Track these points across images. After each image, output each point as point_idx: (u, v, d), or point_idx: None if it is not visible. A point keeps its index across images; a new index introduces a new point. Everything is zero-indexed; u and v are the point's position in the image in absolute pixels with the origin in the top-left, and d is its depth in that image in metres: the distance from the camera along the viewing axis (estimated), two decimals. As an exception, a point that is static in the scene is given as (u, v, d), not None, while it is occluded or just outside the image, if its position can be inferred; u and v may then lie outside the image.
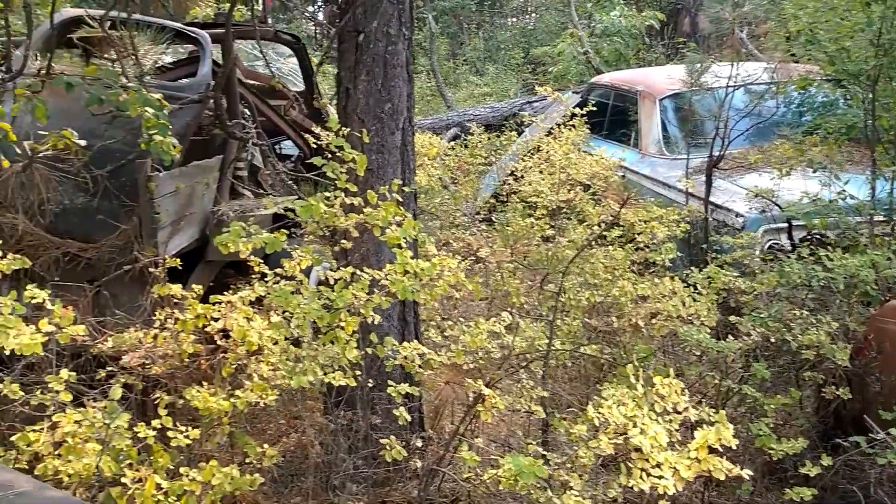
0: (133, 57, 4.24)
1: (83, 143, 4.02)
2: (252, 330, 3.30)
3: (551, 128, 7.98)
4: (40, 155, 3.98)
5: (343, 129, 3.82)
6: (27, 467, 2.71)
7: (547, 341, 4.14)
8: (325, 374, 3.40)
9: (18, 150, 4.00)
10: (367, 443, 3.98)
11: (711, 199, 6.28)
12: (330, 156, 3.76)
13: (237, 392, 3.25)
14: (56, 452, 2.74)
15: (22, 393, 2.84)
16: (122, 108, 3.55)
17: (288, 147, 7.25)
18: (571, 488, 3.00)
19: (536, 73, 16.68)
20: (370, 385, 3.87)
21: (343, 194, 3.67)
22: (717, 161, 6.31)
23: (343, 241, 3.78)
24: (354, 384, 3.50)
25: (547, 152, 7.27)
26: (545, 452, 3.36)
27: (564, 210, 6.82)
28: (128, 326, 3.64)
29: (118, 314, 3.99)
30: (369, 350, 3.64)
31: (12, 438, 2.78)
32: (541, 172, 7.21)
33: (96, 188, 4.45)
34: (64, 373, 2.89)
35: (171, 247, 4.48)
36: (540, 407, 3.78)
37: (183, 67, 5.93)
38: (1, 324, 2.59)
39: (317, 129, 4.02)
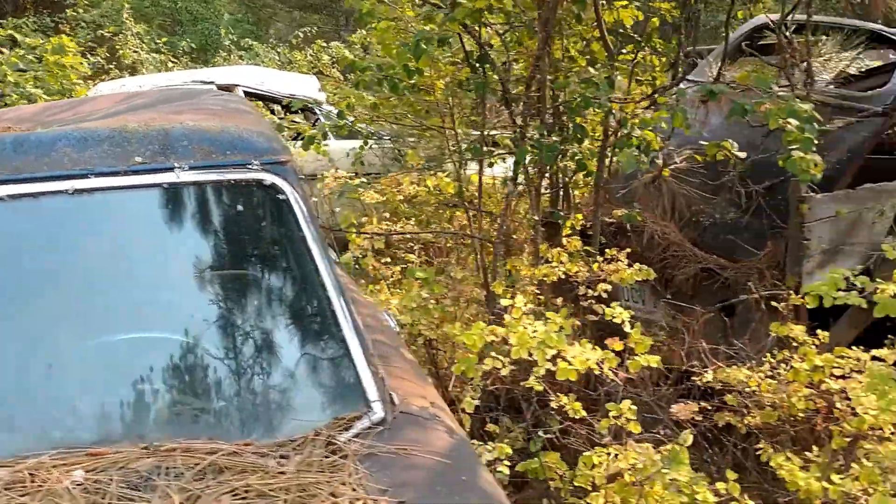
0: (804, 63, 3.87)
1: (743, 154, 3.81)
2: (871, 401, 2.50)
3: None
4: (674, 166, 3.92)
5: None
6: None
7: None
8: None
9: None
10: None
11: None
12: None
13: (835, 476, 2.58)
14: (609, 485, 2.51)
15: (584, 413, 2.66)
16: (765, 118, 3.20)
17: None
18: None
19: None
20: None
21: None
22: None
23: None
24: None
25: None
26: None
27: None
28: (746, 360, 3.30)
29: (736, 344, 3.59)
30: None
31: (581, 460, 2.61)
32: None
33: (749, 204, 4.16)
34: (626, 404, 2.61)
35: (820, 280, 3.65)
36: None
37: (882, 75, 4.93)
38: (541, 340, 2.35)
39: None
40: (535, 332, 2.24)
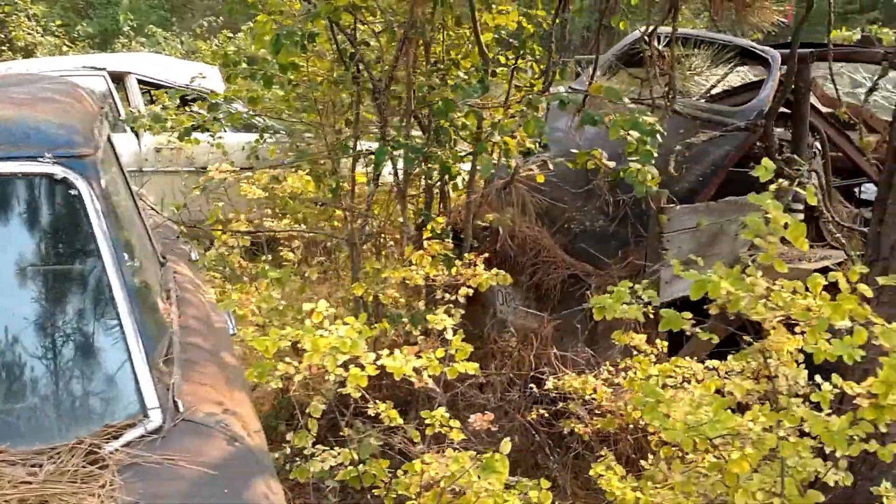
0: (668, 76, 3.98)
1: (612, 163, 3.75)
2: (687, 412, 2.35)
3: None
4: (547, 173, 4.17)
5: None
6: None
7: None
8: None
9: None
10: None
11: None
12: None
13: (647, 486, 2.59)
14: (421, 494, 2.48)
15: (401, 420, 2.66)
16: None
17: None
18: None
19: None
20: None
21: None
22: None
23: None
24: None
25: None
26: None
27: None
28: (594, 367, 3.44)
29: (587, 351, 3.73)
30: None
31: (402, 469, 2.59)
32: None
33: (616, 213, 4.28)
34: (439, 411, 2.58)
35: (677, 289, 3.90)
36: None
37: (753, 91, 5.03)
38: (334, 346, 2.36)
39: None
40: (341, 336, 2.22)
